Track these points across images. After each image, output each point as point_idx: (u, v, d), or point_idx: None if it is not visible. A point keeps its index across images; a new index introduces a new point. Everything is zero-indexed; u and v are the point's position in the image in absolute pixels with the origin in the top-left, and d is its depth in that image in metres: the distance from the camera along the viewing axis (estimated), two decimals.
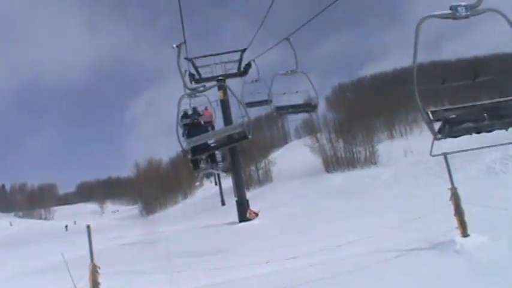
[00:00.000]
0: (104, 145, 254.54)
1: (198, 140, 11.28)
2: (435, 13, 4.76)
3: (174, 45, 10.41)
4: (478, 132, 6.06)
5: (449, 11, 4.78)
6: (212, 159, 17.11)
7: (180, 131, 15.23)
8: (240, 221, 24.71)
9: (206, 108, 19.27)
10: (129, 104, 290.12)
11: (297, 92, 18.44)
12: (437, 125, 5.87)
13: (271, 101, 19.39)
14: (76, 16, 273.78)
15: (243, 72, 25.71)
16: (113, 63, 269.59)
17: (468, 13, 4.78)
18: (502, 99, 6.11)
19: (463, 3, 4.77)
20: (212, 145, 12.82)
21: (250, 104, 20.15)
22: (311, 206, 30.56)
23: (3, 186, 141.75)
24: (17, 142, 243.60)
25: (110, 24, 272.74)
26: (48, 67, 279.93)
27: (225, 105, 25.58)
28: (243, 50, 25.12)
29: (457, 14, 4.74)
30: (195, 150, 11.43)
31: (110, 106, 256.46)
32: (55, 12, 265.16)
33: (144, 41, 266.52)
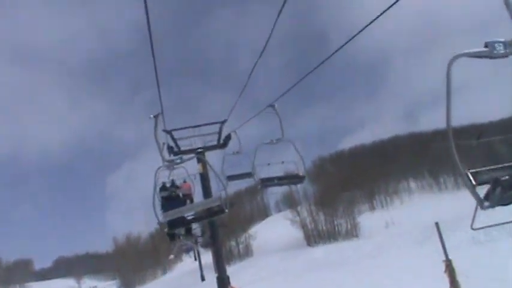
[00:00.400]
0: (82, 219, 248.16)
1: (175, 213, 10.85)
2: (469, 51, 4.29)
3: (151, 116, 10.17)
4: None
5: (485, 49, 4.31)
6: (189, 232, 16.65)
7: (158, 203, 14.79)
8: None
9: (185, 181, 18.91)
10: (107, 177, 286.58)
11: (282, 162, 17.88)
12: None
13: (254, 174, 18.80)
14: (56, 91, 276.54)
15: (222, 144, 25.47)
16: (91, 136, 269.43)
17: (507, 51, 4.35)
18: None
19: (501, 39, 4.35)
20: (189, 218, 12.41)
21: (232, 178, 19.62)
22: (293, 280, 29.63)
23: None
24: None
25: (90, 98, 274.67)
26: (25, 141, 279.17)
27: (204, 178, 25.11)
28: (223, 122, 25.01)
29: (495, 51, 4.30)
30: (172, 223, 11.01)
31: (88, 180, 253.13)
32: (36, 86, 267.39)
33: (124, 114, 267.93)
